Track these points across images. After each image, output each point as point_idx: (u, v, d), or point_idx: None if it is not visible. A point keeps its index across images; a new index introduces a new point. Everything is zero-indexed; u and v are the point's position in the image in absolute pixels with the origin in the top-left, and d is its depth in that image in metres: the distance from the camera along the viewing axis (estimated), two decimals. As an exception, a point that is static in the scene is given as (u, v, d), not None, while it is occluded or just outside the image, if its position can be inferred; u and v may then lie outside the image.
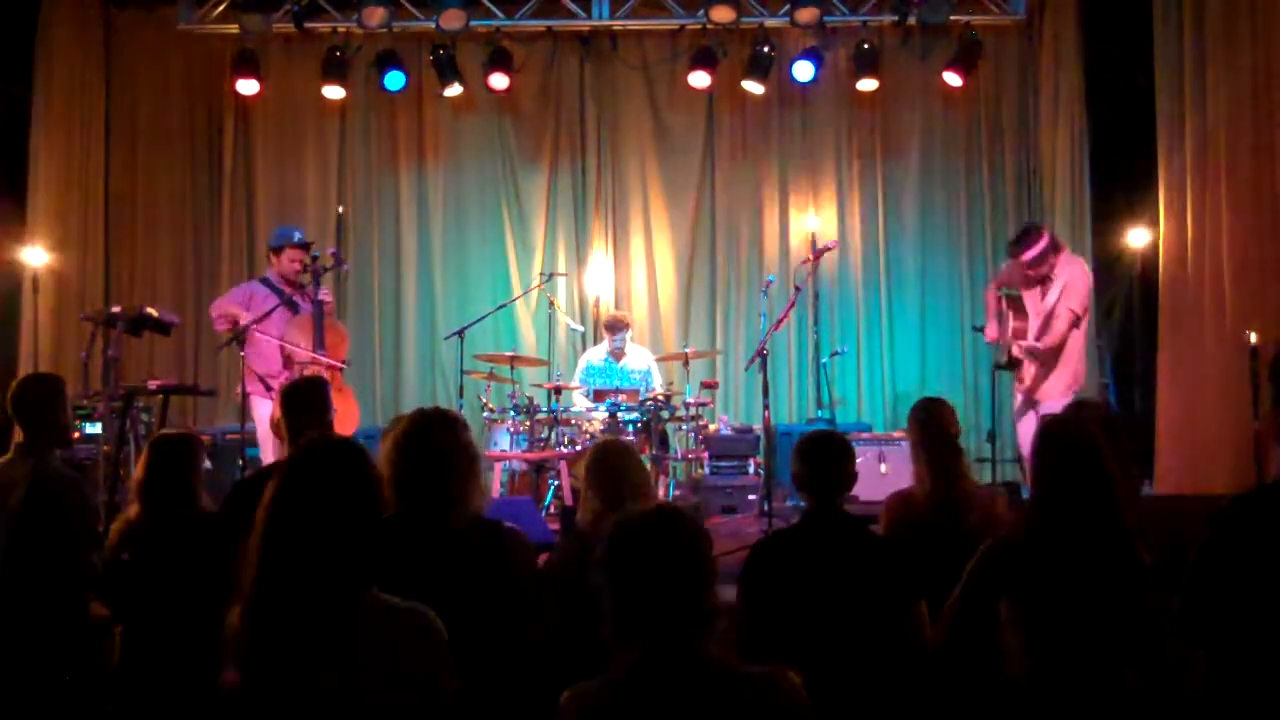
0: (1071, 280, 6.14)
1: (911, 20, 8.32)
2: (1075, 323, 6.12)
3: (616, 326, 7.85)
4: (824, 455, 3.29)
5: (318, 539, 2.14)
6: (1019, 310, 6.34)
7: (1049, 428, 3.01)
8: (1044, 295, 6.20)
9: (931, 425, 3.80)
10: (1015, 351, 6.32)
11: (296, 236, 6.58)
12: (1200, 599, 2.55)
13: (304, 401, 3.60)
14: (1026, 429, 6.32)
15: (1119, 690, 2.73)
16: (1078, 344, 6.20)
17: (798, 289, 6.59)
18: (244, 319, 6.16)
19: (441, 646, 2.20)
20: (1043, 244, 6.18)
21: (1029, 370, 6.28)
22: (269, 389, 6.17)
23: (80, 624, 3.61)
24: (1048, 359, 6.20)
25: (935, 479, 3.72)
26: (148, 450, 3.72)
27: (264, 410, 6.17)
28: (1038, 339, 6.17)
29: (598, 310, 8.82)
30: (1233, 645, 2.53)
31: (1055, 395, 6.12)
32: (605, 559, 2.09)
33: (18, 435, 3.71)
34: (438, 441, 2.86)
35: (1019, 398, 6.44)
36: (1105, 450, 2.88)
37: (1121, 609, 2.75)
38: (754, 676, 2.03)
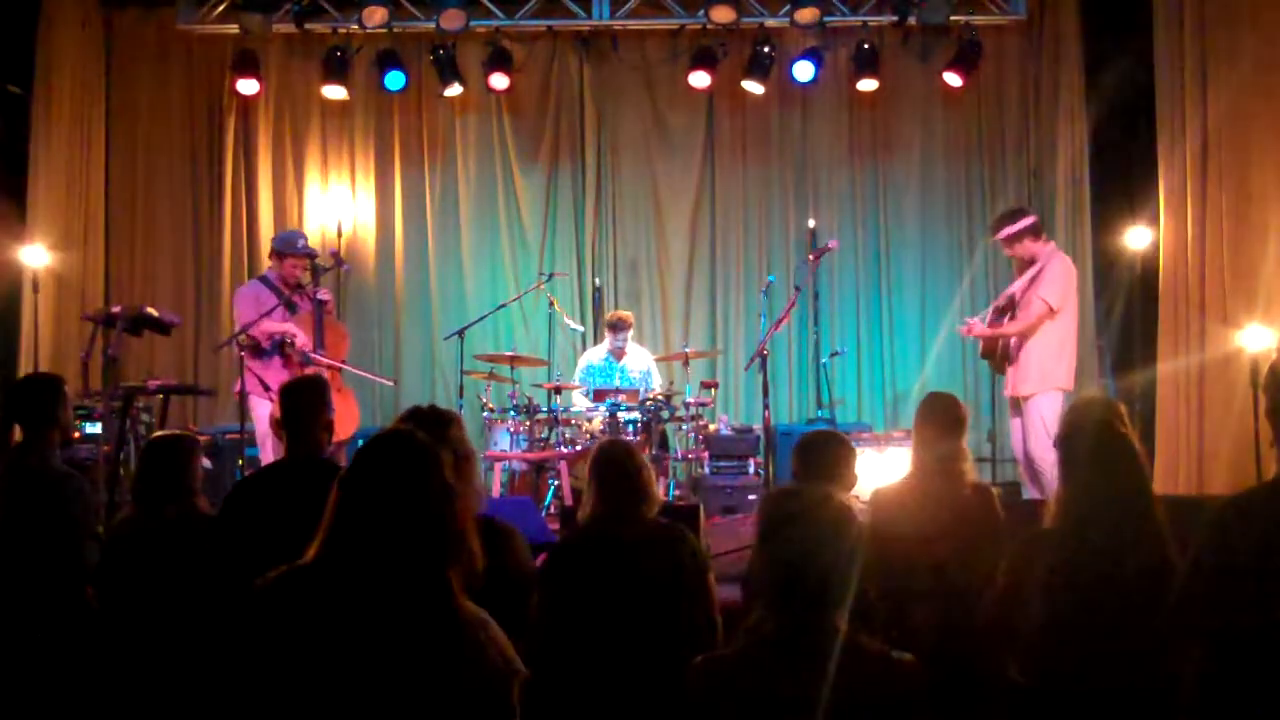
0: (1049, 270, 6.05)
1: (911, 20, 8.31)
2: (1049, 314, 6.00)
3: (619, 325, 7.84)
4: (824, 455, 3.29)
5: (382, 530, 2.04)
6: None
7: (1074, 424, 2.95)
8: (1026, 283, 6.15)
9: (951, 418, 3.80)
10: (960, 329, 6.32)
11: (300, 244, 6.59)
12: (1196, 596, 2.55)
13: (303, 400, 3.60)
14: (1014, 431, 6.24)
15: (1149, 685, 2.71)
16: (1055, 340, 6.04)
17: (798, 289, 6.59)
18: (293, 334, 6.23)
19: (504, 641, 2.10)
20: (1021, 224, 6.15)
21: (1008, 370, 6.23)
22: (267, 389, 6.18)
23: (80, 622, 3.61)
24: (1013, 351, 6.11)
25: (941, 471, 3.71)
26: (143, 450, 3.72)
27: (262, 410, 6.18)
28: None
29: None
30: (1228, 641, 2.53)
31: (1033, 393, 6.00)
32: (767, 531, 2.17)
33: (18, 435, 3.71)
34: (433, 438, 2.86)
35: (1009, 401, 6.34)
36: (1132, 441, 2.85)
37: (1151, 604, 2.73)
38: (881, 655, 2.13)
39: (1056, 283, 6.02)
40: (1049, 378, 5.99)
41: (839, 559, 2.12)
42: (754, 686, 2.09)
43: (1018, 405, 6.12)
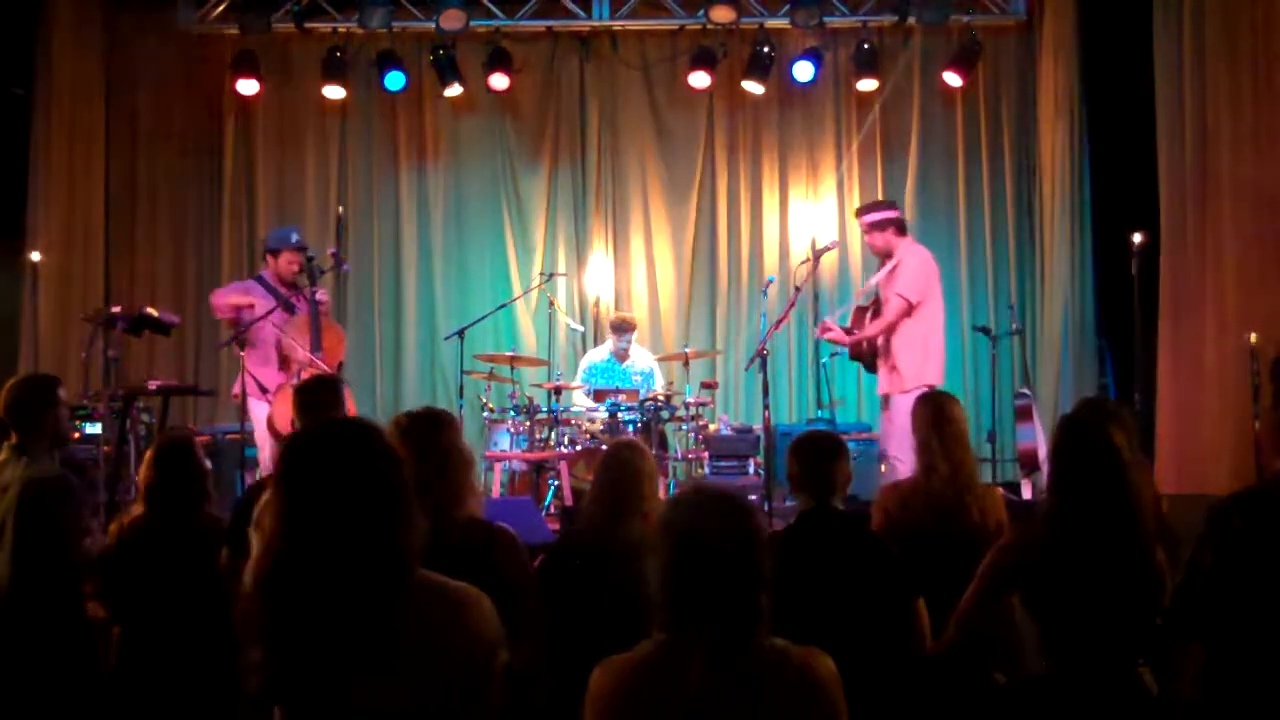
0: (904, 265, 6.02)
1: (911, 20, 8.32)
2: (907, 311, 5.96)
3: (623, 328, 7.83)
4: (818, 455, 3.30)
5: (330, 523, 1.97)
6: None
7: (1067, 429, 2.94)
8: (884, 280, 6.11)
9: (944, 417, 3.80)
10: (818, 334, 6.33)
11: (294, 239, 6.58)
12: (1196, 596, 2.55)
13: (318, 399, 3.61)
14: (883, 427, 6.14)
15: (1133, 690, 2.71)
16: (920, 336, 5.99)
17: (797, 289, 6.58)
18: (246, 309, 6.16)
19: (488, 620, 2.10)
20: (885, 215, 6.20)
21: (880, 365, 6.16)
22: (264, 390, 6.17)
23: (77, 624, 3.61)
24: (882, 348, 6.06)
25: (948, 471, 3.71)
26: (154, 452, 3.72)
27: (260, 412, 6.17)
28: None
29: (598, 309, 8.82)
30: (1228, 642, 2.52)
31: (900, 391, 5.93)
32: (660, 536, 2.13)
33: (13, 437, 3.70)
34: (429, 442, 2.86)
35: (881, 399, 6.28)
36: (1123, 451, 2.85)
37: (1136, 611, 2.72)
38: (790, 654, 2.08)
39: (912, 277, 6.00)
40: (918, 375, 5.95)
41: (732, 559, 2.09)
42: (650, 692, 2.05)
43: (886, 401, 6.08)
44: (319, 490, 1.99)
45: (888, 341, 6.05)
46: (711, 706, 2.03)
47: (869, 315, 6.19)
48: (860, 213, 6.49)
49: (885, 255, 6.20)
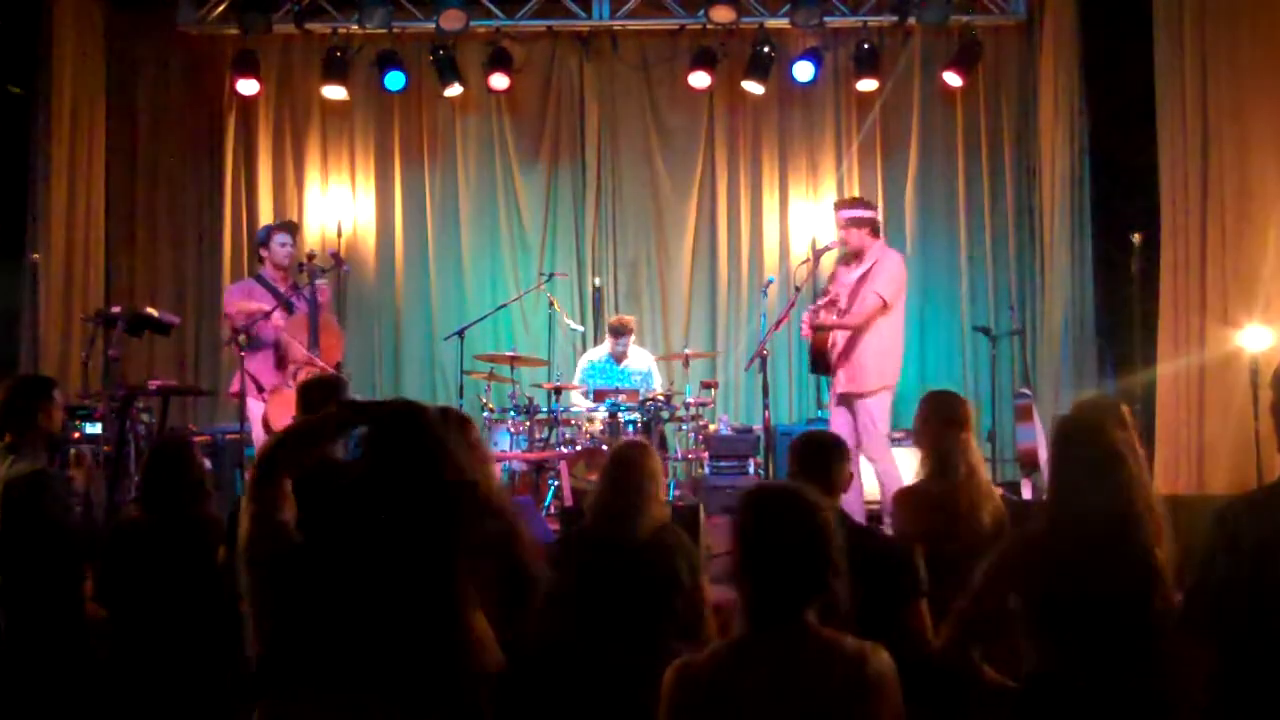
0: (883, 266, 6.06)
1: (911, 20, 8.32)
2: (882, 310, 5.99)
3: (621, 330, 7.82)
4: (818, 455, 3.30)
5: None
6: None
7: (1068, 427, 2.93)
8: (856, 279, 6.12)
9: (960, 416, 3.79)
10: (804, 328, 6.27)
11: (276, 224, 6.64)
12: (1205, 597, 2.54)
13: (318, 398, 3.62)
14: (837, 425, 6.09)
15: (1131, 691, 2.71)
16: (888, 337, 6.04)
17: (798, 289, 6.58)
18: (258, 313, 6.18)
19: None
20: (864, 213, 6.21)
21: (840, 367, 6.15)
22: (261, 389, 6.17)
23: (74, 622, 3.61)
24: (846, 348, 6.08)
25: (965, 473, 3.70)
26: (148, 455, 3.73)
27: (258, 412, 6.17)
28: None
29: (596, 309, 8.78)
30: (1237, 643, 2.52)
31: (871, 390, 5.97)
32: (738, 530, 2.17)
33: (7, 438, 3.70)
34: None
35: (833, 397, 6.26)
36: (1122, 449, 2.84)
37: (1134, 611, 2.72)
38: (851, 648, 2.13)
39: (890, 278, 6.05)
40: (884, 375, 6.00)
41: (807, 555, 2.13)
42: (724, 688, 2.09)
43: (846, 401, 6.07)
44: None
45: (853, 340, 6.06)
46: (780, 701, 2.06)
47: (834, 315, 6.19)
48: (839, 206, 6.47)
49: (856, 253, 6.21)
